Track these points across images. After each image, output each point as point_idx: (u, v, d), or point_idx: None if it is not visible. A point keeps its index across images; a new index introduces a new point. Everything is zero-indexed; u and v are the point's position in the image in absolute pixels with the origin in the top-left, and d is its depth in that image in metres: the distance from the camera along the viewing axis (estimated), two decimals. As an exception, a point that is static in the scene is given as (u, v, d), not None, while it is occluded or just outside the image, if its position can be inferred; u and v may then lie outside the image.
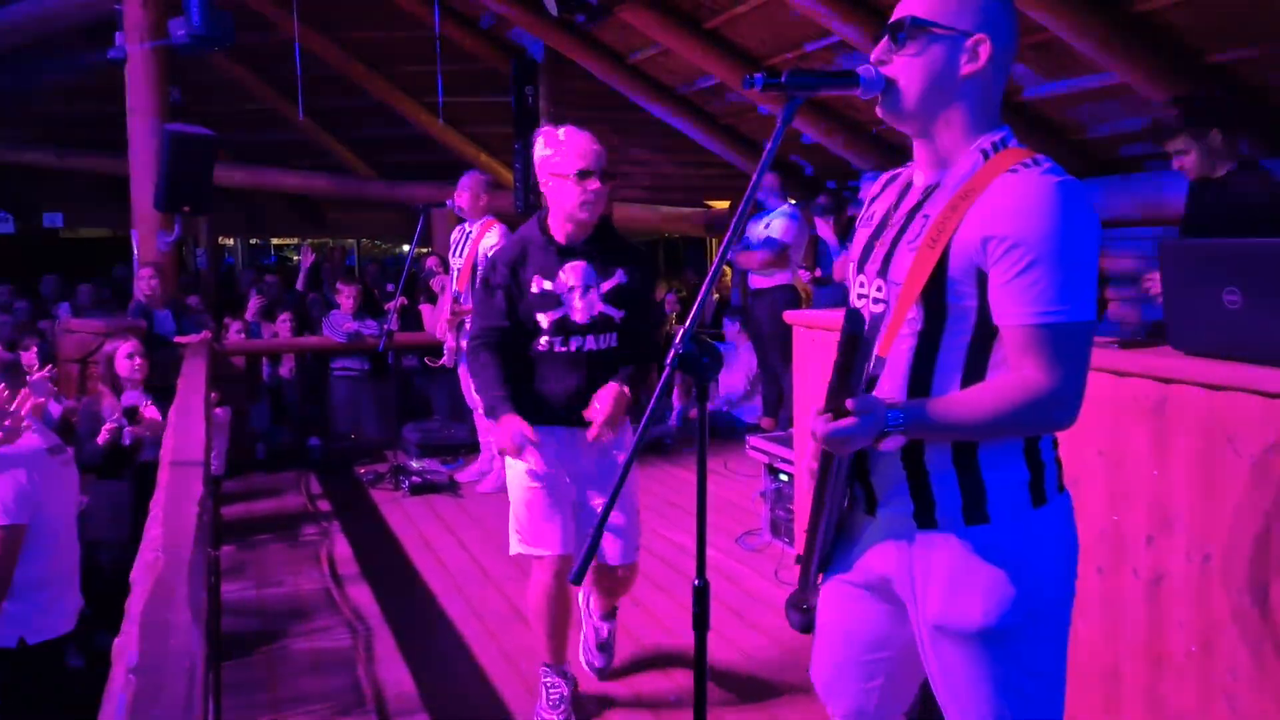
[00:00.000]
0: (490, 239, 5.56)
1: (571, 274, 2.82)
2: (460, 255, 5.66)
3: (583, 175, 2.76)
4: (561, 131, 2.85)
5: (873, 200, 1.78)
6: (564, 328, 2.82)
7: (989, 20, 1.57)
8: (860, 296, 1.70)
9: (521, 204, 7.83)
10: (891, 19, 1.60)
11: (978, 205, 1.51)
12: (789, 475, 4.29)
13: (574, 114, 8.04)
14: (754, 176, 1.62)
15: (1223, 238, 3.04)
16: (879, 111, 1.64)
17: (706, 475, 1.69)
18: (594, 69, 7.51)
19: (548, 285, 2.81)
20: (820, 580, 1.81)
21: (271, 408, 7.04)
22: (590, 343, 2.84)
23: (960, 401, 1.54)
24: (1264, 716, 2.13)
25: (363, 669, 3.43)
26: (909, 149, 1.71)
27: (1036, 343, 1.48)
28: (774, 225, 6.42)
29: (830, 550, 1.77)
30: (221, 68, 9.17)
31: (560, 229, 2.86)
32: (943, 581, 1.59)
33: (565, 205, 2.80)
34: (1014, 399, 1.49)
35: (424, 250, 10.58)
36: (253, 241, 16.34)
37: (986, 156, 1.57)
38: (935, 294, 1.54)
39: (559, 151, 2.80)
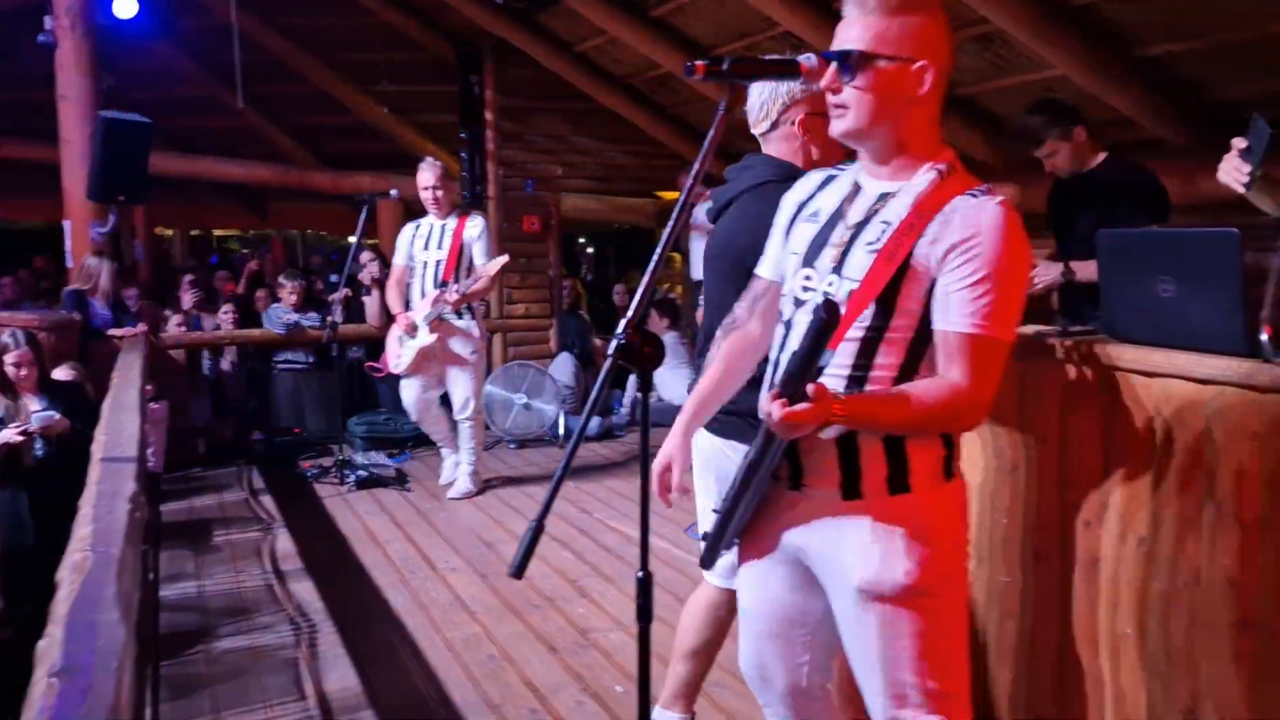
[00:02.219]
0: (475, 228, 5.29)
1: None
2: (441, 248, 5.32)
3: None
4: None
5: (810, 197, 1.86)
6: None
7: (931, 46, 1.66)
8: (806, 289, 1.78)
9: (469, 194, 7.74)
10: (835, 46, 1.68)
11: (937, 221, 1.65)
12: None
13: (521, 103, 8.01)
14: (695, 165, 1.61)
15: (1101, 226, 3.12)
16: (833, 133, 1.74)
17: (650, 467, 1.68)
18: (540, 57, 7.45)
19: None
20: (729, 547, 1.93)
21: (213, 402, 6.90)
22: None
23: (895, 398, 1.68)
24: (1194, 696, 2.17)
25: (305, 665, 3.38)
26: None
27: (968, 350, 1.64)
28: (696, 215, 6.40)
29: (743, 526, 1.87)
30: (156, 53, 8.94)
31: None
32: (866, 546, 1.72)
33: (828, 152, 2.28)
34: (939, 400, 1.65)
35: (371, 241, 10.43)
36: (193, 232, 15.97)
37: (942, 176, 1.70)
38: (889, 296, 1.68)
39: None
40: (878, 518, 1.72)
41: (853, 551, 1.73)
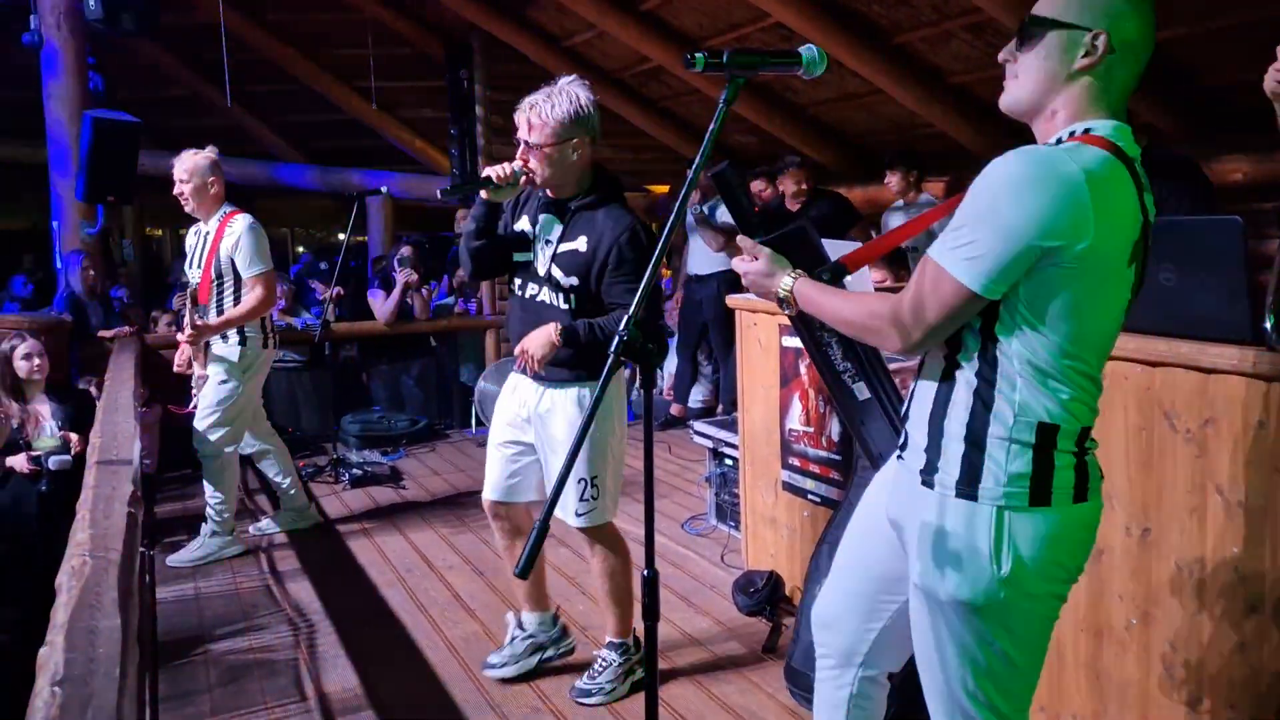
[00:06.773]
0: (233, 233, 4.27)
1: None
2: (197, 265, 4.37)
3: None
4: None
5: None
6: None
7: (1109, 14, 1.55)
8: None
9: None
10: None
11: None
12: (734, 460, 4.29)
13: (512, 97, 7.95)
14: (696, 158, 1.60)
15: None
16: (1002, 105, 1.65)
17: (653, 464, 1.66)
18: (529, 52, 7.41)
19: None
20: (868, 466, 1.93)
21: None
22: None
23: (838, 293, 1.73)
24: (1201, 688, 2.17)
25: (305, 666, 3.36)
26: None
27: (915, 270, 1.57)
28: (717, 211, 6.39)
29: (883, 445, 1.90)
30: (143, 52, 8.88)
31: None
32: (926, 542, 1.63)
33: None
34: (869, 304, 1.64)
35: (360, 238, 10.38)
36: (181, 232, 15.89)
37: (1059, 143, 1.56)
38: None
39: None
40: (940, 517, 1.61)
41: (915, 540, 1.66)
